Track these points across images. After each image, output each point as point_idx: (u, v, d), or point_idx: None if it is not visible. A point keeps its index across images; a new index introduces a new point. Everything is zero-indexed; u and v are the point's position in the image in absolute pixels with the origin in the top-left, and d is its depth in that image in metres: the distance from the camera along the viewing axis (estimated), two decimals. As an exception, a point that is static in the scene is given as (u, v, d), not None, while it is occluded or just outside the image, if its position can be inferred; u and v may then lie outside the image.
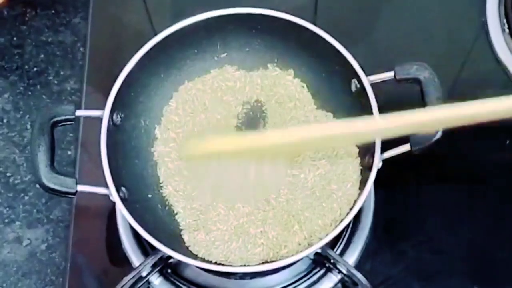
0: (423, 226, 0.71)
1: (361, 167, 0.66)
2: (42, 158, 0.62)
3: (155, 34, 0.76)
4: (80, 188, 0.63)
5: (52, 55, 0.87)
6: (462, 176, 0.73)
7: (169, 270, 0.69)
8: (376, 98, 0.63)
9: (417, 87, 0.63)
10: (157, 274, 0.68)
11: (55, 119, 0.64)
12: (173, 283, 0.69)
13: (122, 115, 0.67)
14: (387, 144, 0.62)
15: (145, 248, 0.70)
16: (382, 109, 0.62)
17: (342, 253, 0.69)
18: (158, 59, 0.68)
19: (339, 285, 0.68)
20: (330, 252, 0.65)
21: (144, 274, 0.67)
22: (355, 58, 0.65)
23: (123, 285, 0.65)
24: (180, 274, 0.69)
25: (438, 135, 0.60)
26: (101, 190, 0.63)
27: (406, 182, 0.73)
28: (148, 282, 0.68)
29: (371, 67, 0.65)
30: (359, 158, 0.66)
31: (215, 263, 0.64)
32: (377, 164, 0.61)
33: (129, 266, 0.69)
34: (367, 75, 0.64)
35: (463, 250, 0.70)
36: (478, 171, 0.73)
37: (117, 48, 0.82)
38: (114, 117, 0.66)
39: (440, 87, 0.62)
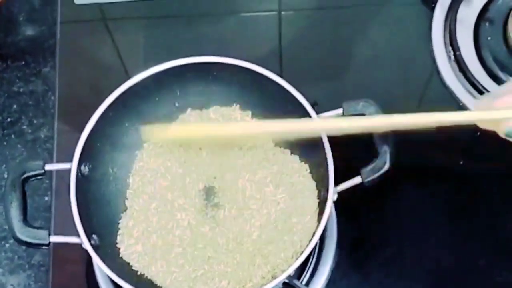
0: (386, 249, 0.74)
1: (318, 200, 0.69)
2: (14, 213, 0.66)
3: (127, 75, 0.81)
4: (53, 239, 0.66)
5: (24, 105, 0.90)
6: (422, 198, 0.76)
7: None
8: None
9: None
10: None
11: (25, 175, 0.68)
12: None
13: (90, 166, 0.70)
14: (341, 177, 0.65)
15: (121, 290, 0.73)
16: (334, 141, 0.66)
17: (308, 282, 0.72)
18: (121, 110, 0.71)
19: (308, 312, 0.71)
20: (296, 282, 0.68)
21: (122, 318, 0.69)
22: (309, 97, 0.68)
23: (101, 330, 0.68)
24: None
25: (386, 167, 0.64)
26: (73, 240, 0.66)
27: (367, 209, 0.76)
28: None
29: (324, 105, 0.68)
30: (316, 192, 0.69)
31: None
32: (331, 196, 0.64)
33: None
34: (318, 113, 0.67)
35: (426, 269, 0.73)
36: (437, 192, 0.76)
37: (86, 95, 0.85)
38: (82, 168, 0.69)
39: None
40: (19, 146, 0.88)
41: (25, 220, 0.66)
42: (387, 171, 0.64)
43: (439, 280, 0.73)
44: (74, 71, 0.87)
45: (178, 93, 0.73)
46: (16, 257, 0.83)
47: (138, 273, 0.68)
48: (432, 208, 0.76)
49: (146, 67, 0.71)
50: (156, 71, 0.70)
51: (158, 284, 0.68)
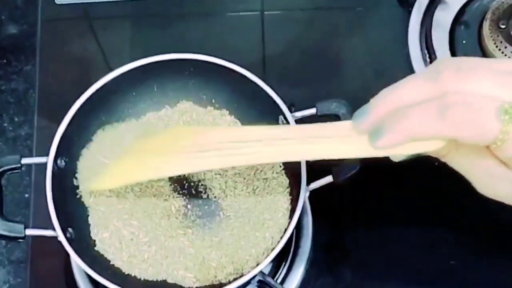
0: (361, 250, 0.75)
1: (291, 197, 0.69)
2: None
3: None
4: (29, 232, 0.67)
5: (6, 102, 0.90)
6: (396, 199, 0.77)
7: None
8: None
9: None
10: (110, 314, 0.72)
11: (2, 169, 0.68)
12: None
13: (67, 159, 0.71)
14: (313, 175, 0.66)
15: (99, 286, 0.73)
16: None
17: (283, 280, 0.73)
18: (98, 104, 0.72)
19: (284, 310, 0.72)
20: (270, 280, 0.68)
21: (98, 313, 0.70)
22: (288, 98, 0.69)
23: (77, 324, 0.69)
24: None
25: (357, 168, 0.65)
26: (49, 233, 0.66)
27: (343, 209, 0.77)
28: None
29: (302, 106, 0.69)
30: (289, 189, 0.70)
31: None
32: (303, 194, 0.65)
33: (84, 305, 0.72)
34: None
35: (398, 270, 0.74)
36: (411, 193, 0.77)
37: (67, 94, 0.85)
38: (59, 162, 0.69)
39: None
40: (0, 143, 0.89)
41: (1, 214, 0.67)
42: (358, 171, 0.65)
43: (413, 281, 0.74)
44: (55, 70, 0.88)
45: (156, 89, 0.74)
46: (-5, 253, 0.84)
47: (113, 265, 0.69)
48: (407, 209, 0.77)
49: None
50: (132, 67, 0.71)
51: (128, 273, 0.68)
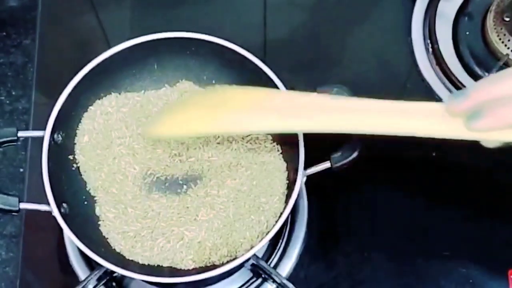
0: (355, 237, 0.75)
1: (287, 182, 0.69)
2: None
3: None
4: (23, 206, 0.67)
5: (3, 75, 0.90)
6: (390, 188, 0.77)
7: (113, 284, 0.72)
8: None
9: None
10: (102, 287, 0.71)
11: None
12: (118, 296, 0.72)
13: (63, 134, 0.70)
14: (312, 161, 0.66)
15: (91, 263, 0.73)
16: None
17: (277, 264, 0.73)
18: (96, 80, 0.72)
19: (275, 293, 0.72)
20: (264, 264, 0.68)
21: (90, 287, 0.69)
22: (288, 82, 0.69)
23: (69, 298, 0.68)
24: (125, 287, 0.73)
25: (355, 155, 0.65)
26: (43, 207, 0.66)
27: (338, 195, 0.77)
28: (94, 295, 0.72)
29: (300, 89, 0.68)
30: (286, 173, 0.70)
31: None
32: (300, 179, 0.65)
33: (76, 280, 0.72)
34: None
35: (389, 257, 0.74)
36: (405, 182, 0.77)
37: (66, 68, 0.84)
38: (55, 136, 0.69)
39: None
40: (-5, 122, 0.89)
41: None
42: (355, 159, 0.65)
43: (407, 267, 0.74)
44: (54, 44, 0.87)
45: (156, 67, 0.74)
46: (-13, 227, 0.84)
47: (107, 242, 0.69)
48: (402, 197, 0.77)
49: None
50: (133, 43, 0.71)
51: (123, 255, 0.68)
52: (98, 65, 0.71)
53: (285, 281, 0.68)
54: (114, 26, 0.89)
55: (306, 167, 0.65)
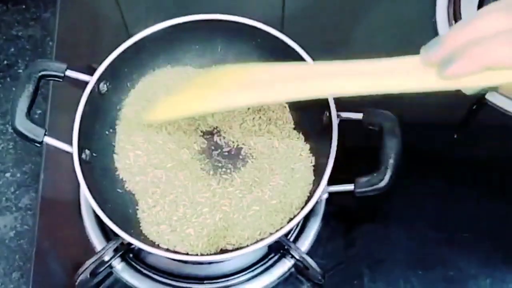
0: (372, 216, 0.75)
1: (313, 166, 0.69)
2: (21, 104, 0.67)
3: (126, 28, 0.80)
4: (47, 139, 0.67)
5: (22, 48, 0.90)
6: (410, 169, 0.76)
7: (130, 255, 0.72)
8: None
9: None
10: (119, 259, 0.71)
11: (43, 72, 0.68)
12: (134, 268, 0.72)
13: (110, 86, 0.70)
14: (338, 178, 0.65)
15: (108, 234, 0.73)
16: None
17: (295, 240, 0.72)
18: (155, 42, 0.71)
19: (293, 269, 0.71)
20: (284, 239, 0.68)
21: (106, 258, 0.69)
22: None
23: (85, 269, 0.67)
24: (142, 259, 0.72)
25: (382, 185, 0.64)
26: (65, 147, 0.66)
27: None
28: (111, 267, 0.71)
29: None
30: (313, 158, 0.69)
31: (169, 250, 0.66)
32: (330, 166, 0.64)
33: (93, 252, 0.71)
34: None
35: (407, 238, 0.73)
36: (428, 163, 0.76)
37: (85, 43, 0.85)
38: (101, 85, 0.69)
39: (400, 136, 0.65)
40: (13, 89, 0.88)
41: (28, 114, 0.67)
42: (381, 189, 0.64)
43: (426, 250, 0.73)
44: (74, 19, 0.86)
45: (219, 49, 0.74)
46: (4, 198, 0.83)
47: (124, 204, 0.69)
48: (423, 177, 0.76)
49: (146, 21, 0.71)
50: (167, 25, 0.71)
51: (140, 223, 0.68)
52: (142, 39, 0.70)
53: (304, 255, 0.68)
54: (133, 3, 0.88)
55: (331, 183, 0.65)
